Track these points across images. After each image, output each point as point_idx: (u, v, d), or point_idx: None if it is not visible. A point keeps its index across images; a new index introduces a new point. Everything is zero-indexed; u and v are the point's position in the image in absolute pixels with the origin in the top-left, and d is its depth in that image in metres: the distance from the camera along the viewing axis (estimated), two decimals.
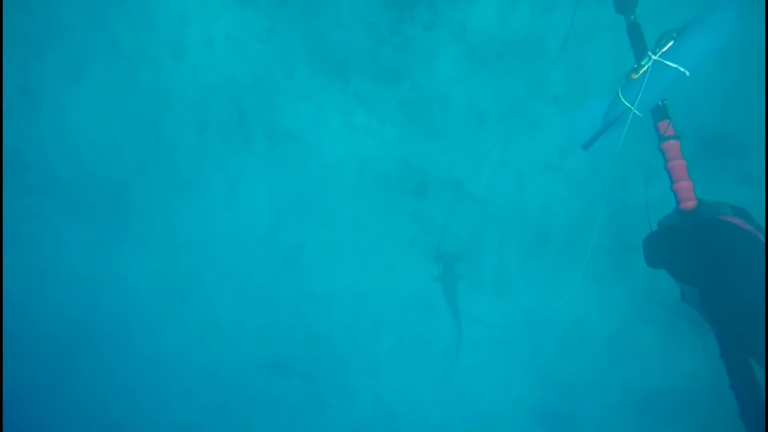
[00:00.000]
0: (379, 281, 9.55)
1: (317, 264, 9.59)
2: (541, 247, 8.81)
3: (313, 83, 8.21)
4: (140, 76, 8.70)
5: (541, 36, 7.72)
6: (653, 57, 2.86)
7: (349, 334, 10.04)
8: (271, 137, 8.67)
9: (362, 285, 9.66)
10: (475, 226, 8.72)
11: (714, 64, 6.33)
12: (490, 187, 8.47)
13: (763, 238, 2.43)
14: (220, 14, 8.14)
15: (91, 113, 9.05)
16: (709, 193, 2.99)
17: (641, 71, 2.92)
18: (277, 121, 8.54)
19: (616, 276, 8.80)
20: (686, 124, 7.71)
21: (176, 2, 8.24)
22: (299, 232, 9.36)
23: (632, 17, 3.22)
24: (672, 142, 2.91)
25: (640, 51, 3.08)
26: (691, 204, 2.79)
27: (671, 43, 2.86)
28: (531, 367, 9.40)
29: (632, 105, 2.97)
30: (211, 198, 9.35)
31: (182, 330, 10.47)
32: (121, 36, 8.51)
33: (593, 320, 9.06)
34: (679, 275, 2.71)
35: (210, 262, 9.91)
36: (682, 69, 2.79)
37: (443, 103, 8.09)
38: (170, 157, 9.14)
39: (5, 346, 11.01)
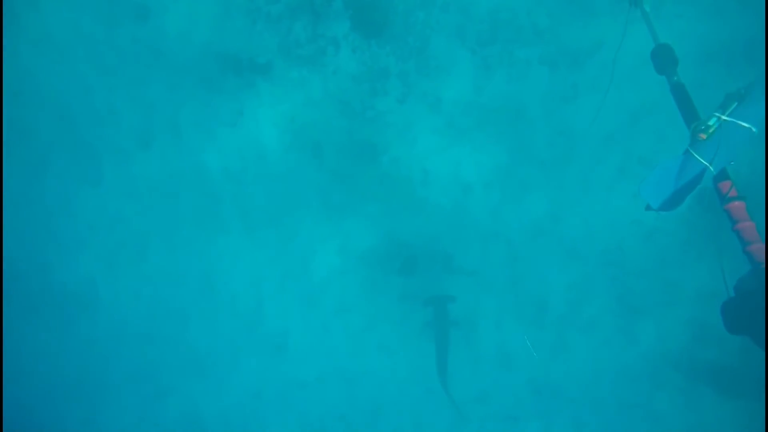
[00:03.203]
0: (373, 363, 8.88)
1: (305, 349, 8.93)
2: (540, 316, 8.28)
3: (286, 164, 7.85)
4: (106, 167, 8.29)
5: (520, 101, 7.49)
6: (722, 117, 2.91)
7: (344, 421, 9.26)
8: (246, 222, 8.22)
9: (355, 368, 8.98)
10: (469, 300, 8.19)
11: None
12: (482, 259, 8.02)
13: None
14: (187, 100, 7.85)
15: (54, 209, 8.56)
16: None
17: (710, 131, 2.94)
18: (253, 205, 8.12)
19: (625, 341, 8.25)
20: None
21: (142, 90, 7.96)
22: (284, 318, 8.76)
23: (675, 78, 3.26)
24: (737, 203, 2.87)
25: (688, 110, 3.10)
26: None
27: (735, 104, 2.94)
28: None
29: (710, 164, 2.92)
30: (188, 288, 8.77)
31: None
32: (85, 128, 8.16)
33: (605, 388, 8.43)
34: (761, 340, 2.60)
35: (189, 356, 9.19)
36: (748, 125, 2.83)
37: (424, 175, 7.75)
38: (142, 249, 8.61)
39: None
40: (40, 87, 8.07)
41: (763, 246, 2.76)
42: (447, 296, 8.02)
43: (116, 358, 9.43)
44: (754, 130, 2.83)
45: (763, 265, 2.73)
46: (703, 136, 2.97)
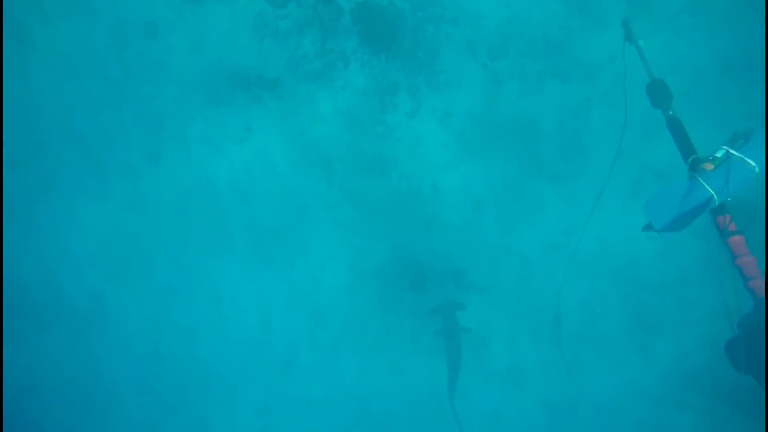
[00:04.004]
0: (383, 382, 8.71)
1: (314, 367, 8.78)
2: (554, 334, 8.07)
3: (295, 180, 7.77)
4: (114, 183, 8.26)
5: (532, 114, 7.36)
6: (730, 151, 3.01)
7: None
8: (254, 238, 8.13)
9: (365, 387, 8.81)
10: (481, 317, 8.01)
11: None
12: (493, 275, 7.85)
13: None
14: (195, 116, 7.81)
15: (63, 226, 8.53)
16: None
17: (717, 163, 3.04)
18: (260, 221, 8.03)
19: (642, 360, 8.01)
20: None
21: (149, 106, 7.93)
22: (292, 335, 8.62)
23: (670, 112, 3.36)
24: (737, 237, 2.92)
25: (684, 142, 3.22)
26: None
27: (741, 141, 3.06)
28: None
29: (716, 193, 3.01)
30: (195, 305, 8.68)
31: None
32: (93, 145, 8.14)
33: (623, 410, 8.17)
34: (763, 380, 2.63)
35: (197, 373, 9.08)
36: (753, 163, 2.95)
37: (434, 190, 7.62)
38: (149, 265, 8.54)
39: None
40: (49, 103, 8.09)
41: (761, 282, 2.79)
42: (455, 302, 7.71)
43: (124, 374, 9.35)
44: (756, 169, 2.95)
45: (763, 307, 2.74)
46: (710, 166, 3.04)
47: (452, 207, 7.62)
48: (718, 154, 3.05)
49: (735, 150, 3.02)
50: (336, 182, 7.67)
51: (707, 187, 3.00)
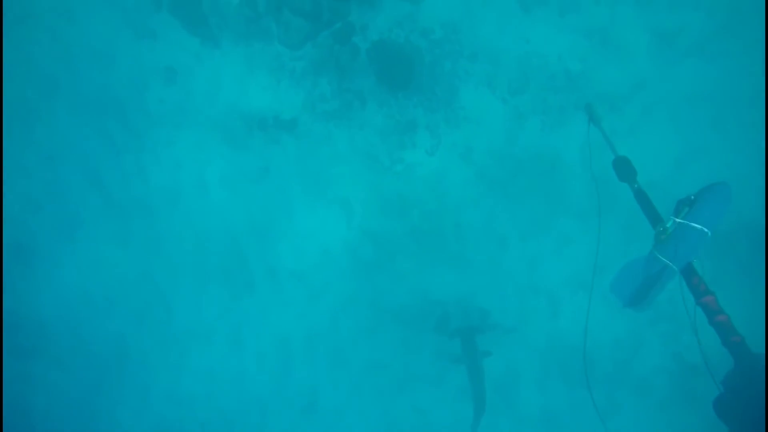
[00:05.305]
0: (407, 425, 8.37)
1: (335, 410, 8.50)
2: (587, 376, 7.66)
3: (314, 220, 7.65)
4: (135, 226, 8.27)
5: (555, 150, 7.14)
6: (677, 220, 3.25)
7: None
8: (274, 279, 8.00)
9: (387, 430, 8.49)
10: (508, 359, 7.67)
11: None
12: (520, 315, 7.53)
13: None
14: (213, 158, 7.81)
15: (85, 268, 8.55)
16: None
17: (668, 233, 3.25)
18: (280, 262, 7.90)
19: (684, 402, 7.53)
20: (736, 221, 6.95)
21: (169, 149, 7.96)
22: (312, 378, 8.38)
23: (636, 186, 3.63)
24: (709, 297, 3.12)
25: (651, 213, 3.45)
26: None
27: (687, 209, 3.28)
28: None
29: (670, 262, 3.23)
30: (214, 347, 8.54)
31: None
32: (114, 188, 8.19)
33: None
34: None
35: (217, 416, 8.89)
36: (700, 227, 3.18)
37: (457, 229, 7.40)
38: (168, 307, 8.47)
39: None
40: (73, 147, 8.20)
41: (739, 340, 2.97)
42: (474, 326, 7.42)
43: (142, 417, 9.21)
44: (707, 232, 3.17)
45: (745, 363, 2.92)
46: (663, 237, 3.29)
47: (476, 245, 7.38)
48: (668, 225, 3.29)
49: (681, 218, 3.25)
50: (356, 222, 7.52)
51: (661, 257, 3.24)
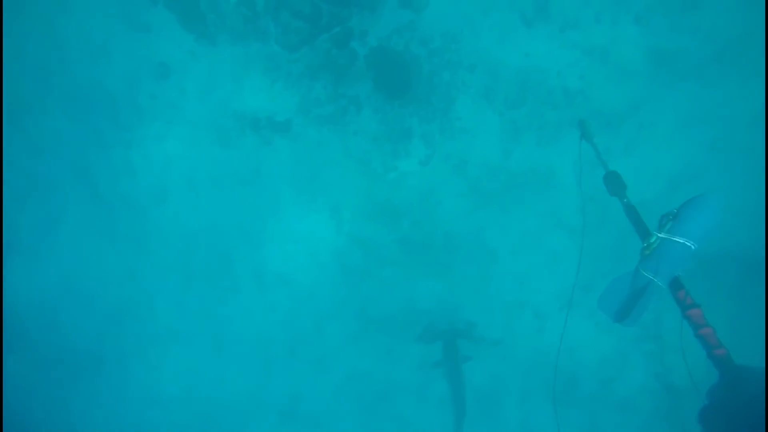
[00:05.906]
0: None
1: (315, 417, 8.40)
2: (570, 394, 7.64)
3: (303, 224, 7.55)
4: (120, 222, 8.09)
5: (550, 166, 7.12)
6: (659, 235, 3.19)
7: None
8: (259, 282, 7.88)
9: None
10: (492, 372, 7.63)
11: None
12: (506, 329, 7.49)
13: None
14: (204, 157, 7.66)
15: (67, 262, 8.35)
16: None
17: (652, 248, 3.21)
18: (266, 265, 7.79)
19: (667, 424, 7.55)
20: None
21: (159, 146, 7.80)
22: (293, 384, 8.28)
23: (625, 200, 3.63)
24: (695, 310, 3.08)
25: (640, 228, 3.43)
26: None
27: (670, 223, 3.21)
28: None
29: (654, 277, 3.20)
30: (196, 348, 8.39)
31: None
32: (101, 182, 8.01)
33: None
34: None
35: (197, 419, 8.73)
36: (683, 241, 3.12)
37: (447, 240, 7.34)
38: (150, 306, 8.30)
39: None
40: (63, 142, 8.00)
41: (723, 351, 2.96)
42: (457, 329, 7.32)
43: (119, 416, 9.03)
44: (691, 246, 3.13)
45: (730, 376, 2.89)
46: (647, 252, 3.26)
47: (465, 257, 7.33)
48: (652, 240, 3.26)
49: (664, 233, 3.21)
50: (345, 228, 7.44)
51: (645, 272, 3.23)
